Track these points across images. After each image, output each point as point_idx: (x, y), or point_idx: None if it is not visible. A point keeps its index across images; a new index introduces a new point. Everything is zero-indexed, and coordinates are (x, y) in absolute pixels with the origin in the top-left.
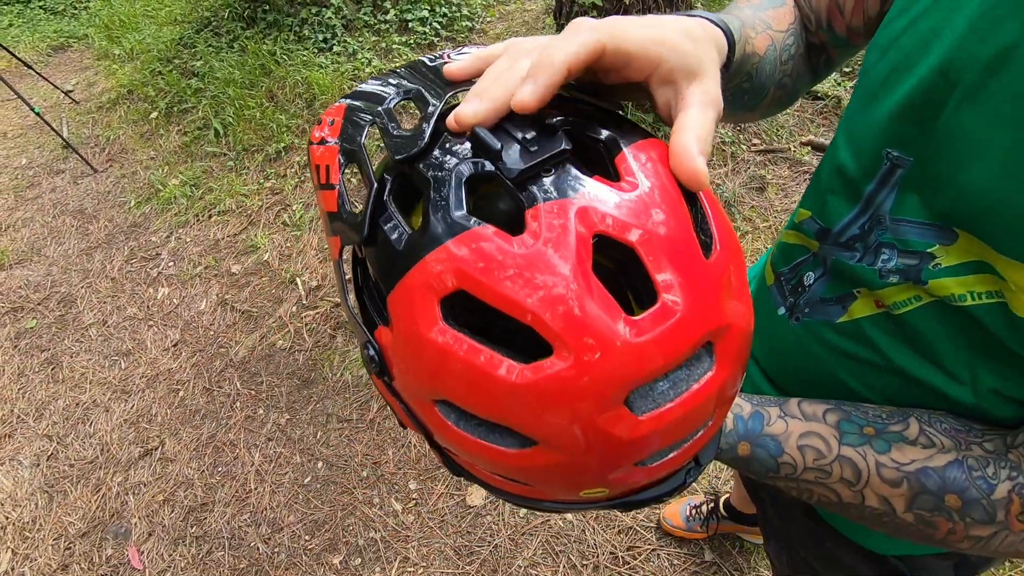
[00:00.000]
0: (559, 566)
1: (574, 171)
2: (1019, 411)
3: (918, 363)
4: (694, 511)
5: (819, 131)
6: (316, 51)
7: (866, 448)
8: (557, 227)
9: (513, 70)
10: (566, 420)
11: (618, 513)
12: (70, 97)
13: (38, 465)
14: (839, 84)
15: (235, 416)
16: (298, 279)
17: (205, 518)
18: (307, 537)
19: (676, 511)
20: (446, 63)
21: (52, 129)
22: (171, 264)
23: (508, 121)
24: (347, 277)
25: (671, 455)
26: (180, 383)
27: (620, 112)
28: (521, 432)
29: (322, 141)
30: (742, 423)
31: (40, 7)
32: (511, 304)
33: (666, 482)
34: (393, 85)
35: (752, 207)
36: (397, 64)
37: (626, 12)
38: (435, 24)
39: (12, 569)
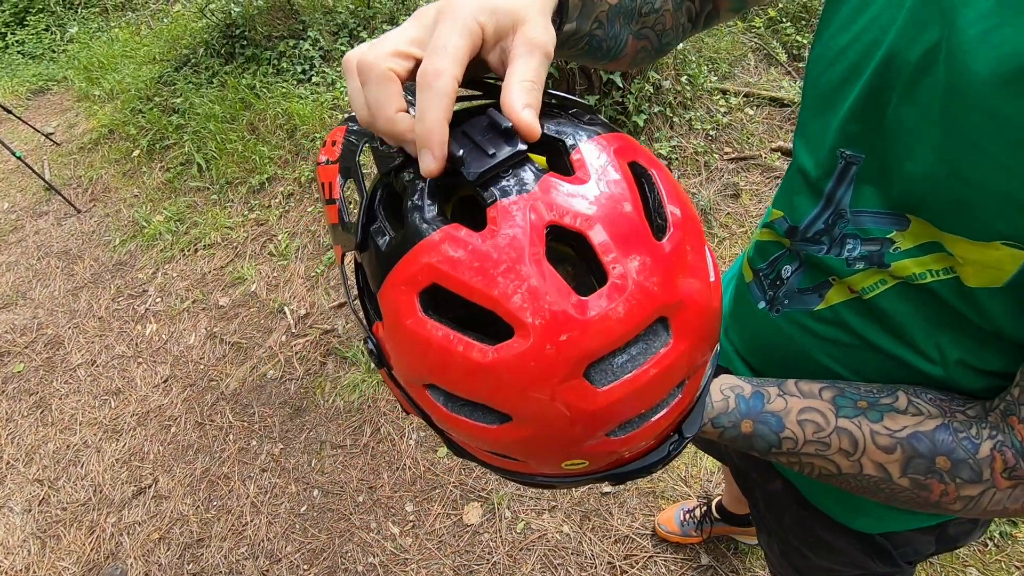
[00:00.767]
0: None
1: (530, 169)
2: (989, 382)
3: (893, 343)
4: (688, 516)
5: (788, 137)
6: (295, 83)
7: (861, 419)
8: (513, 221)
9: (431, 95)
10: (531, 394)
11: (614, 522)
12: (51, 139)
13: (30, 511)
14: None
15: (228, 449)
16: (286, 308)
17: (202, 554)
18: (305, 567)
19: (671, 517)
20: None
21: (34, 172)
22: (158, 300)
23: (469, 126)
24: (350, 281)
25: (642, 426)
26: (171, 419)
27: (588, 104)
28: (496, 408)
29: (327, 161)
30: (744, 402)
31: (19, 52)
32: (477, 293)
33: (650, 454)
34: None
35: (728, 214)
36: None
37: None
38: None
39: None
